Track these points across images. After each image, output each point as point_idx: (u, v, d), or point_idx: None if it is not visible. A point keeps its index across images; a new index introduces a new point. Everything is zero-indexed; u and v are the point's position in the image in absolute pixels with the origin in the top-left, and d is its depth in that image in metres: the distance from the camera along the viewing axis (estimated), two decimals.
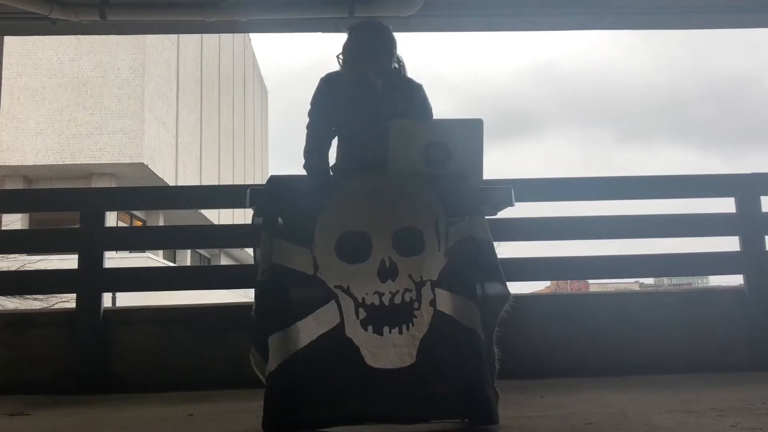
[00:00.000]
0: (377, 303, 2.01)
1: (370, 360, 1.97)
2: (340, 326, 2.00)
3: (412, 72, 2.59)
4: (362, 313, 2.01)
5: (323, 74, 2.56)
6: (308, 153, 2.46)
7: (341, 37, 2.53)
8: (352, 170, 2.40)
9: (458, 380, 1.99)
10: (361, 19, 4.51)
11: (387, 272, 2.03)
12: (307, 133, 2.53)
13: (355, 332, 1.99)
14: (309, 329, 1.98)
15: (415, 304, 2.03)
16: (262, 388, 1.98)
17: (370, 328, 2.00)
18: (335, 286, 2.03)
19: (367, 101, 2.48)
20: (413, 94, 2.53)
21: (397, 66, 2.52)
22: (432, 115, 2.58)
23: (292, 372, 1.94)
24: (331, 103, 2.49)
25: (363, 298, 2.02)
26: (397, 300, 2.02)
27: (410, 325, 2.01)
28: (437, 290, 2.04)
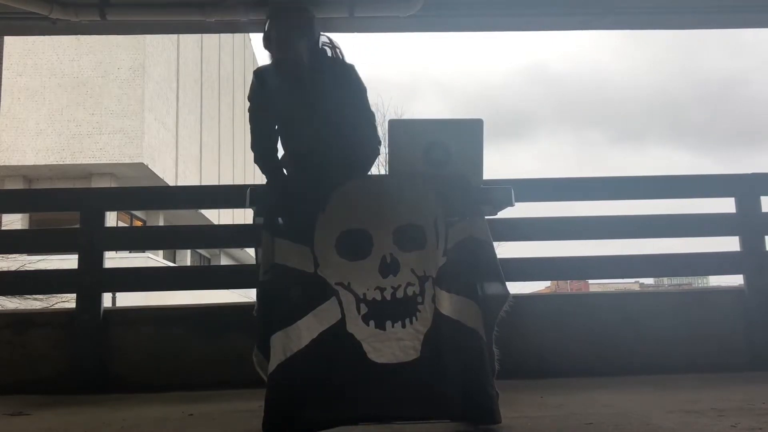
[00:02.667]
0: (378, 298, 2.01)
1: (372, 355, 1.96)
2: (342, 322, 1.99)
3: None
4: (363, 309, 2.00)
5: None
6: (258, 154, 2.57)
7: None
8: (302, 175, 2.49)
9: (460, 379, 1.98)
10: (360, 18, 4.52)
11: (388, 268, 2.03)
12: (252, 130, 2.61)
13: (356, 328, 1.99)
14: (310, 327, 1.98)
15: (419, 298, 2.03)
16: (262, 387, 1.98)
17: (372, 323, 1.99)
18: (336, 283, 2.02)
19: (297, 95, 2.51)
20: (343, 74, 2.55)
21: (329, 51, 2.56)
22: (365, 95, 2.60)
23: (292, 372, 1.94)
24: (266, 98, 2.55)
25: (364, 294, 2.01)
26: (399, 294, 2.02)
27: (414, 318, 2.01)
28: (437, 289, 2.04)
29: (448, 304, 2.04)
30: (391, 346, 1.97)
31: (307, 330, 1.97)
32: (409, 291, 2.02)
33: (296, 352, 1.95)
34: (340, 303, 2.00)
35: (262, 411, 1.92)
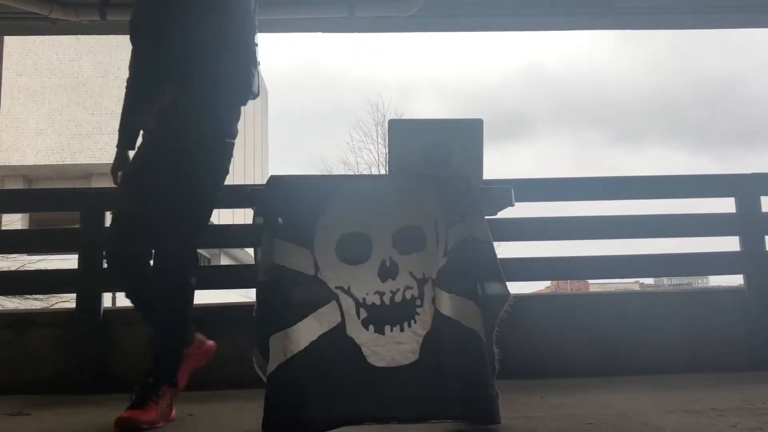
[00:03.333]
0: (378, 302, 2.01)
1: (372, 359, 1.97)
2: (341, 326, 2.00)
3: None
4: (363, 313, 2.01)
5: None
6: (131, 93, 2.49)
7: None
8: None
9: (460, 380, 1.99)
10: (361, 18, 4.53)
11: (387, 272, 2.04)
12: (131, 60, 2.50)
13: (356, 332, 1.99)
14: (310, 329, 1.98)
15: (417, 301, 2.03)
16: (262, 388, 1.98)
17: (371, 327, 2.00)
18: (336, 287, 2.03)
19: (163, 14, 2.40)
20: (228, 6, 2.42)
21: None
22: (252, 33, 2.46)
23: (292, 372, 1.94)
24: (140, 19, 2.46)
25: (364, 299, 2.02)
26: (398, 298, 2.03)
27: (412, 322, 2.02)
28: (437, 290, 2.04)
29: (448, 304, 2.04)
30: (390, 349, 1.98)
31: (307, 332, 1.97)
32: (408, 294, 2.03)
33: (296, 353, 1.95)
34: (340, 307, 2.01)
35: (262, 411, 1.92)
